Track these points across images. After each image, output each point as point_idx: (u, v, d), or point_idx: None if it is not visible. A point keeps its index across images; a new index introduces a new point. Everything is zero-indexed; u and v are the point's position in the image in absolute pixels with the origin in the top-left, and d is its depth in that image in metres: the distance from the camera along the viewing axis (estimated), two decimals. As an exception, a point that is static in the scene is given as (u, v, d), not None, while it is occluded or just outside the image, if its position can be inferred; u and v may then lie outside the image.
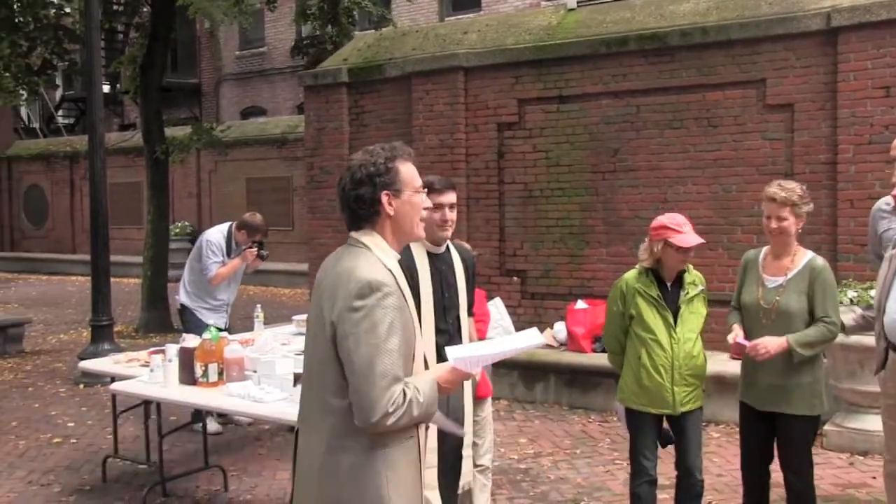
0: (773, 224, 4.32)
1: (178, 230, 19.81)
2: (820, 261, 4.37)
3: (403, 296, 2.72)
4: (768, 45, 7.67)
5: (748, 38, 7.74)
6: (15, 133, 26.20)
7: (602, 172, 8.55)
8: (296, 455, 2.88)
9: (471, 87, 9.26)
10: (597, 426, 7.38)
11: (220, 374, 5.27)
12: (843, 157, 7.32)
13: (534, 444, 6.91)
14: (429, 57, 9.50)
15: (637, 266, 4.56)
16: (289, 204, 19.13)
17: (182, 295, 7.48)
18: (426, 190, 3.99)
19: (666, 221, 4.43)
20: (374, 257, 2.71)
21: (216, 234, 7.37)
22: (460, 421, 4.27)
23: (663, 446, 4.60)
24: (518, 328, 8.78)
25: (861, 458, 6.29)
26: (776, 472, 4.50)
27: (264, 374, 5.12)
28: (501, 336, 4.67)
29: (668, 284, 4.49)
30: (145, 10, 14.35)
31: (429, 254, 4.15)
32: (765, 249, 4.52)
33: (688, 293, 4.48)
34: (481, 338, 4.79)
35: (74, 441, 7.18)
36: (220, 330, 7.03)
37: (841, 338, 6.19)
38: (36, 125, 28.77)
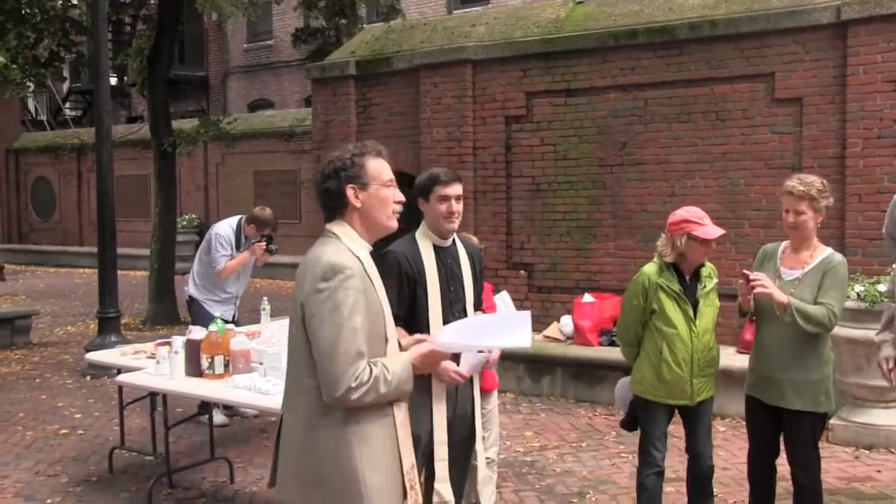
0: (791, 218, 4.30)
1: (185, 223, 19.86)
2: (838, 257, 4.34)
3: (371, 282, 2.86)
4: (777, 38, 7.64)
5: (757, 31, 7.71)
6: (22, 125, 26.26)
7: (610, 166, 8.53)
8: (279, 437, 2.98)
9: (479, 80, 9.24)
10: (603, 419, 7.37)
11: (226, 366, 5.28)
12: (851, 151, 7.29)
13: (540, 437, 6.91)
14: (437, 50, 9.48)
15: (655, 260, 4.56)
16: (296, 197, 19.13)
17: (191, 286, 7.49)
18: (438, 185, 4.06)
19: (686, 215, 4.43)
20: (342, 245, 2.86)
21: (225, 228, 7.36)
22: (469, 414, 4.28)
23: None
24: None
25: (867, 451, 6.28)
26: (783, 465, 4.49)
27: (270, 366, 5.12)
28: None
29: (688, 278, 4.52)
30: (153, 2, 14.36)
31: (435, 247, 4.16)
32: (784, 243, 4.49)
33: (705, 286, 4.52)
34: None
35: (81, 432, 7.20)
36: (228, 322, 7.05)
37: (846, 331, 6.23)
38: (43, 117, 28.80)
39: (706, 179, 8.01)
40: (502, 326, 3.21)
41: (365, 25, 14.78)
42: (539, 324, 8.81)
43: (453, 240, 4.27)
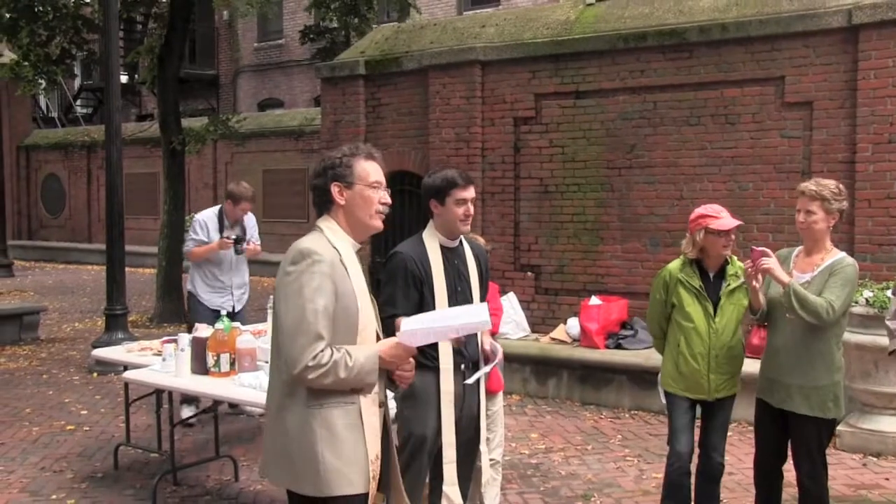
0: (801, 217, 4.32)
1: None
2: (848, 259, 4.35)
3: (347, 273, 2.97)
4: (788, 42, 7.61)
5: (768, 34, 7.68)
6: (34, 122, 26.35)
7: (618, 168, 8.51)
8: None
9: (488, 82, 9.23)
10: (608, 422, 7.35)
11: (232, 363, 5.29)
12: (861, 155, 7.26)
13: (545, 439, 6.90)
14: (446, 50, 9.48)
15: (681, 257, 4.67)
16: (305, 196, 19.11)
17: (189, 282, 7.59)
18: (456, 188, 4.08)
19: (703, 211, 4.58)
20: (323, 237, 3.01)
21: (207, 213, 7.50)
22: (475, 415, 4.29)
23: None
24: (531, 323, 8.82)
25: (874, 459, 6.25)
26: (790, 472, 4.47)
27: (276, 365, 5.11)
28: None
29: (711, 275, 4.60)
30: (164, 0, 14.38)
31: (442, 248, 4.18)
32: (799, 248, 4.52)
33: (729, 284, 4.58)
34: (494, 332, 4.79)
35: (87, 429, 7.21)
36: (230, 315, 6.98)
37: (855, 337, 6.20)
38: (54, 115, 28.89)
39: (715, 183, 7.98)
40: (461, 313, 3.27)
41: (375, 25, 14.76)
42: (546, 326, 8.81)
43: (460, 240, 4.29)
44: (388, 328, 3.59)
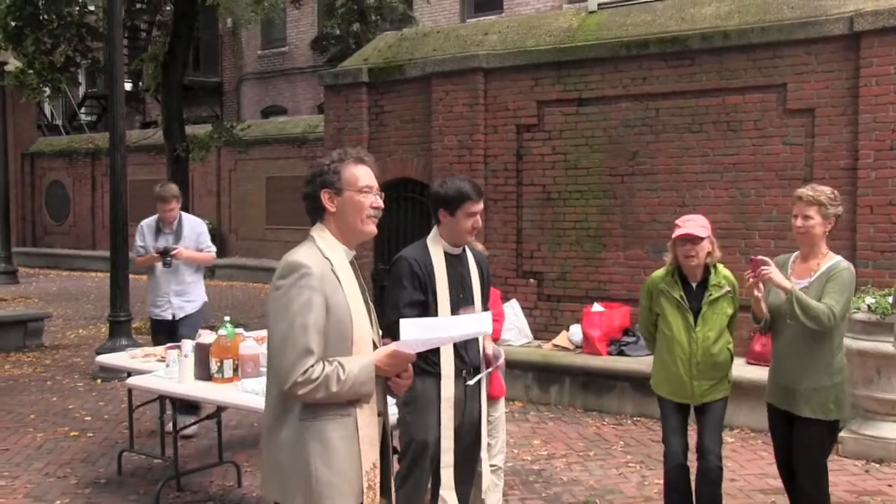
0: (799, 222, 4.37)
1: (197, 228, 19.92)
2: (844, 263, 4.40)
3: (340, 283, 2.90)
4: (790, 49, 7.63)
5: (769, 42, 7.70)
6: (38, 129, 26.44)
7: (620, 175, 8.53)
8: None
9: (490, 89, 9.26)
10: (611, 429, 7.36)
11: (235, 370, 5.31)
12: (863, 162, 7.27)
13: (547, 445, 6.90)
14: (449, 58, 9.51)
15: (666, 266, 4.75)
16: (308, 203, 19.16)
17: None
18: (468, 202, 4.10)
19: (677, 220, 4.66)
20: (314, 247, 2.95)
21: (149, 219, 7.33)
22: (476, 421, 4.30)
23: None
24: (534, 330, 8.82)
25: (877, 465, 6.24)
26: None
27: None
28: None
29: (694, 285, 4.66)
30: (168, 8, 14.46)
31: (445, 254, 4.21)
32: (795, 254, 4.57)
33: (711, 294, 4.61)
34: (496, 338, 4.81)
35: (91, 435, 7.23)
36: (170, 324, 7.06)
37: (857, 343, 6.21)
38: (59, 122, 28.98)
39: (717, 190, 8.00)
40: (465, 322, 3.26)
41: (379, 33, 14.82)
42: (548, 332, 8.82)
43: (463, 247, 4.32)
44: (394, 332, 3.58)
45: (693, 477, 4.71)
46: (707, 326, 4.59)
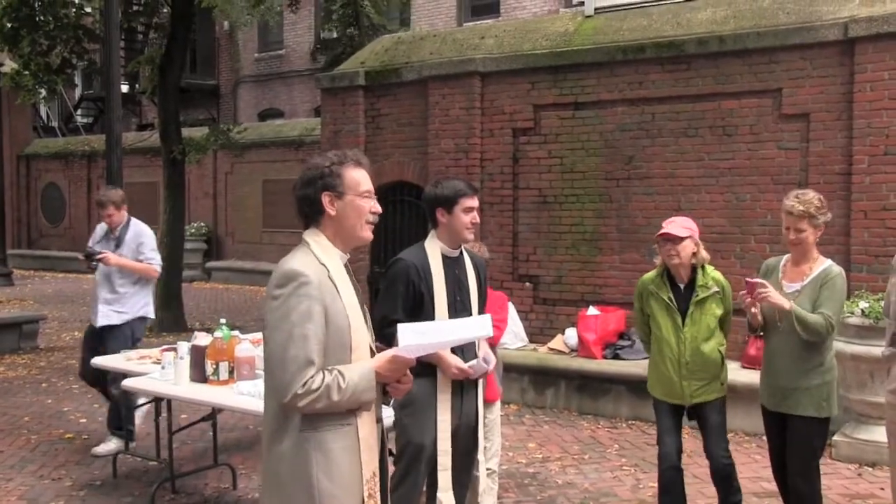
0: (792, 235, 4.46)
1: (193, 231, 19.93)
2: (836, 268, 4.49)
3: (337, 290, 2.85)
4: (785, 54, 7.66)
5: (765, 47, 7.73)
6: (34, 131, 26.38)
7: (616, 179, 8.55)
8: None
9: (487, 93, 9.28)
10: (606, 432, 7.37)
11: (231, 372, 5.31)
12: (857, 167, 7.30)
13: (542, 448, 6.91)
14: (446, 61, 9.53)
15: (657, 268, 4.84)
16: (304, 206, 19.15)
17: None
18: (464, 197, 4.13)
19: (664, 221, 4.76)
20: (310, 253, 2.89)
21: (102, 223, 7.07)
22: (473, 424, 4.31)
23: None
24: (529, 333, 8.84)
25: (870, 468, 6.27)
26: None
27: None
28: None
29: (682, 286, 4.73)
30: (165, 10, 14.46)
31: (443, 257, 4.23)
32: (786, 257, 4.64)
33: (698, 295, 4.67)
34: (494, 343, 4.84)
35: (86, 437, 7.23)
36: (93, 331, 6.84)
37: (850, 347, 6.24)
38: (55, 124, 28.95)
39: (712, 194, 8.02)
40: (465, 326, 3.26)
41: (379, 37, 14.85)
42: (544, 336, 8.84)
43: (461, 251, 4.34)
44: (389, 335, 3.59)
45: (689, 478, 4.76)
46: (695, 327, 4.66)
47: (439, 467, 4.16)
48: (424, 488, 4.34)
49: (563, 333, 8.55)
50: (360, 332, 2.90)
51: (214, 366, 5.29)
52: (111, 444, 6.76)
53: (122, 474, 6.25)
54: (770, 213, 7.70)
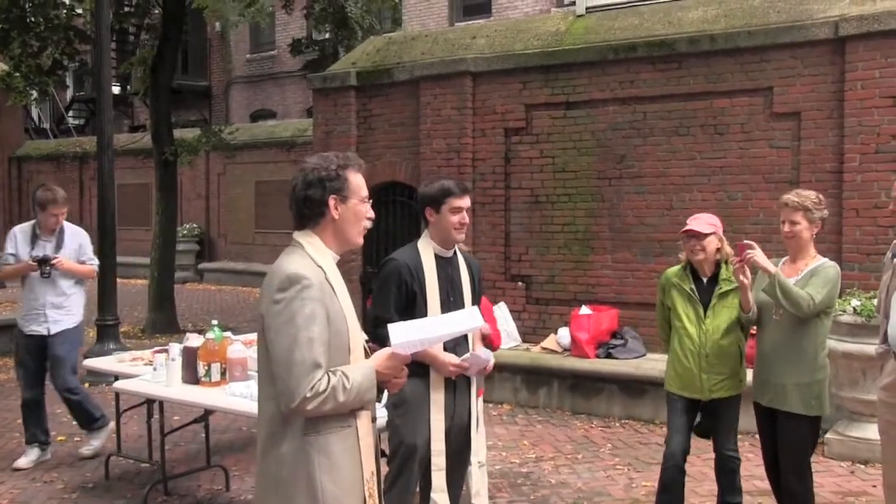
0: (787, 227, 4.52)
1: (185, 232, 19.90)
2: (830, 263, 4.57)
3: (334, 291, 2.85)
4: (776, 53, 7.67)
5: (756, 46, 7.74)
6: (25, 133, 26.29)
7: (608, 178, 8.55)
8: None
9: (479, 92, 9.28)
10: (599, 431, 7.38)
11: (223, 373, 5.30)
12: (849, 166, 7.31)
13: (535, 448, 6.91)
14: (437, 62, 9.52)
15: (682, 262, 4.92)
16: (297, 207, 19.11)
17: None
18: (451, 197, 4.13)
19: (689, 218, 4.85)
20: (306, 255, 2.87)
21: (23, 225, 6.70)
22: (465, 424, 4.31)
23: (699, 435, 4.91)
24: (522, 333, 8.84)
25: (862, 466, 6.28)
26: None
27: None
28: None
29: (705, 280, 4.81)
30: (156, 11, 14.42)
31: (437, 257, 4.22)
32: (785, 258, 4.72)
33: (721, 288, 4.74)
34: (496, 346, 4.87)
35: (78, 439, 7.19)
36: (44, 339, 6.46)
37: (843, 345, 6.26)
38: (46, 125, 28.87)
39: (704, 193, 8.03)
40: (455, 320, 3.27)
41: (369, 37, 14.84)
42: (536, 336, 8.84)
43: (454, 251, 4.33)
44: (382, 335, 3.58)
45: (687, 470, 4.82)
46: (717, 319, 4.70)
47: (433, 467, 4.16)
48: (417, 489, 4.33)
49: (555, 333, 8.55)
50: (356, 334, 2.92)
51: (206, 367, 5.29)
52: (95, 443, 6.76)
53: (115, 476, 6.24)
54: (762, 212, 7.72)
